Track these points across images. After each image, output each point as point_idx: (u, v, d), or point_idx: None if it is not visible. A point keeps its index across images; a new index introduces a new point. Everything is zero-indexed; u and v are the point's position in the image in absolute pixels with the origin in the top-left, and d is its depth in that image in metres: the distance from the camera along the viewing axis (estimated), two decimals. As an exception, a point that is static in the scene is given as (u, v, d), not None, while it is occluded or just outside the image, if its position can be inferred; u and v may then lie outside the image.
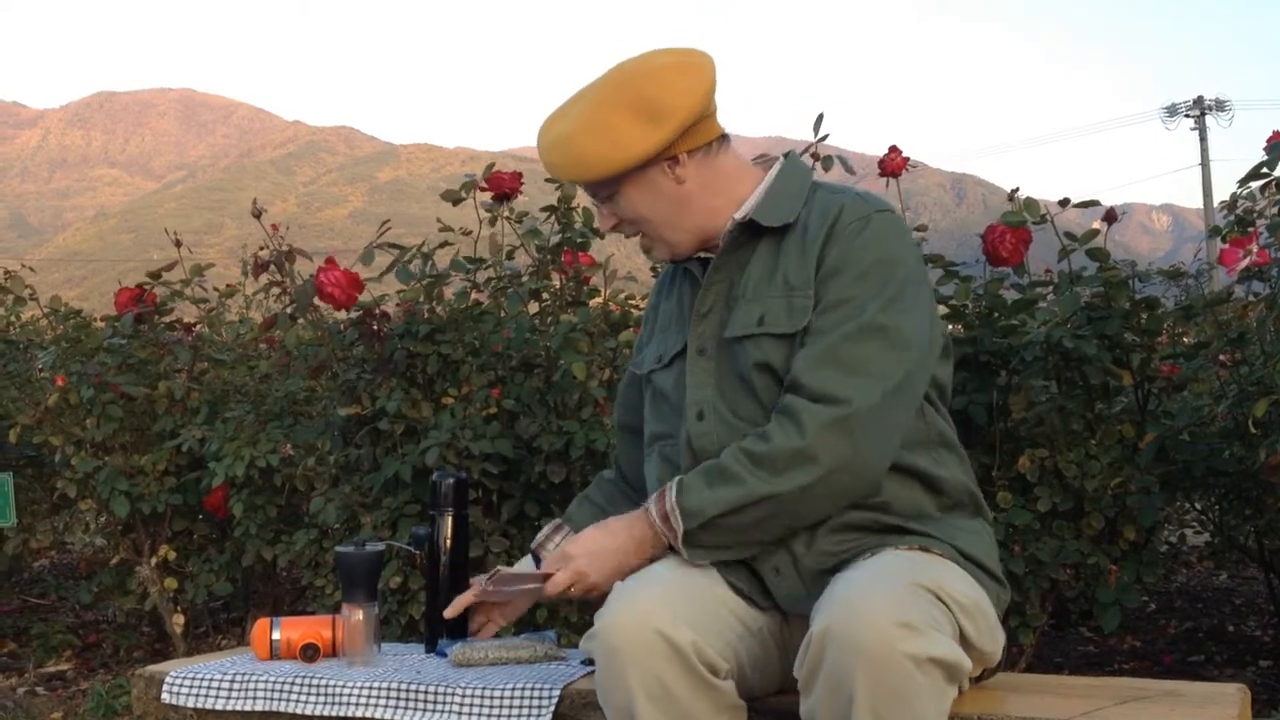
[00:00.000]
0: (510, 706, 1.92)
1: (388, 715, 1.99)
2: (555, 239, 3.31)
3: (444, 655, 2.18)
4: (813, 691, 1.53)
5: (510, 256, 3.35)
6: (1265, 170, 2.66)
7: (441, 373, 3.12)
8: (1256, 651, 3.55)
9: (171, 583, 3.78)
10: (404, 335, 3.10)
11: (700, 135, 1.83)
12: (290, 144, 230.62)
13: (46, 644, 4.20)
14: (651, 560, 1.77)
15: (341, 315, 3.21)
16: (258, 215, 3.11)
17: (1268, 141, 2.66)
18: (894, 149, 3.05)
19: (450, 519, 2.29)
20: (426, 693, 1.98)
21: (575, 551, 1.83)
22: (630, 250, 2.29)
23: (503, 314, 3.21)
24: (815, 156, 2.97)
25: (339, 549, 2.21)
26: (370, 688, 2.01)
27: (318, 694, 2.05)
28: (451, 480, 2.31)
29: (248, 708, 2.10)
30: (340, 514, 3.13)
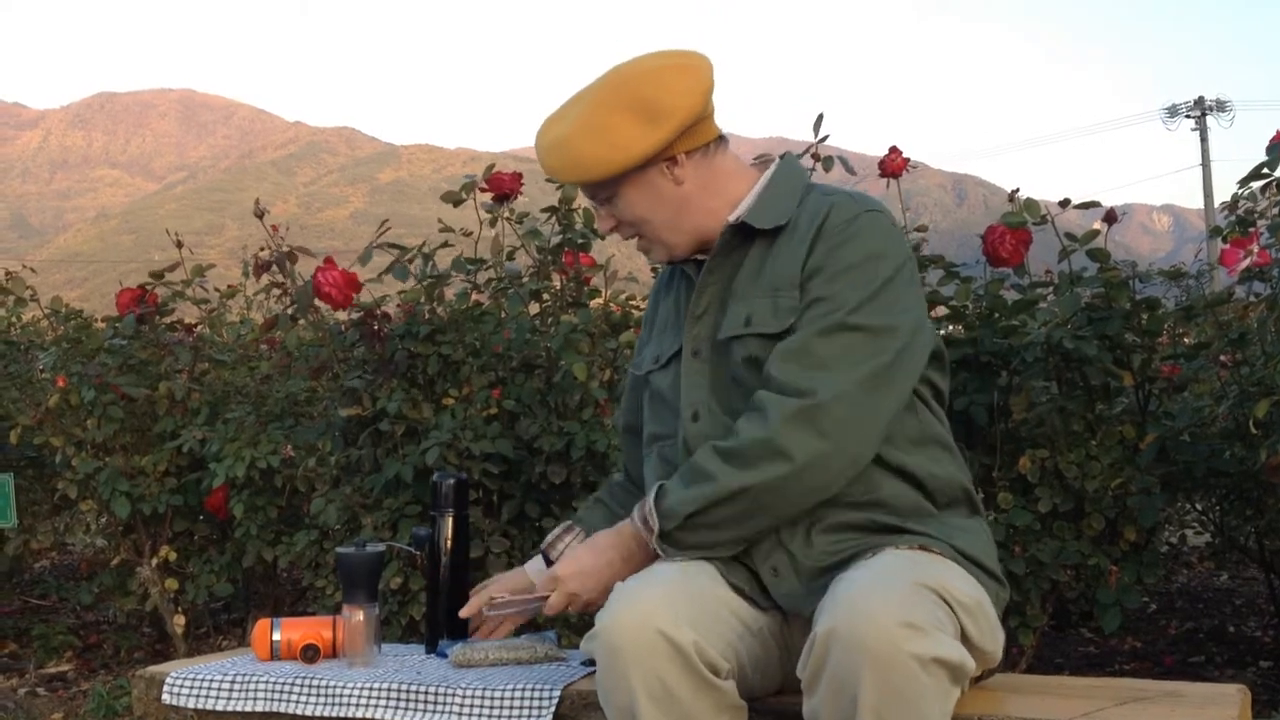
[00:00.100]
0: (510, 707, 1.92)
1: (388, 716, 1.99)
2: (556, 240, 3.31)
3: (444, 656, 2.18)
4: (816, 692, 1.53)
5: (511, 257, 3.35)
6: (1266, 171, 2.65)
7: (442, 373, 3.12)
8: (1257, 652, 3.54)
9: (172, 583, 3.78)
10: (405, 336, 3.10)
11: (698, 136, 1.83)
12: (291, 145, 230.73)
13: (47, 645, 4.20)
14: (643, 568, 1.78)
15: (342, 316, 3.22)
16: (260, 215, 3.12)
17: (1270, 142, 2.66)
18: (894, 149, 3.05)
19: (451, 520, 2.29)
20: (427, 694, 1.98)
21: (565, 573, 1.85)
22: (631, 251, 2.30)
23: (503, 315, 3.21)
24: (816, 157, 2.97)
25: (339, 550, 2.21)
26: (370, 688, 2.01)
27: (318, 695, 2.05)
28: (452, 481, 2.31)
29: (248, 708, 2.10)
30: (341, 515, 3.13)
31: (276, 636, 2.23)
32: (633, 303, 3.36)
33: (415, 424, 3.05)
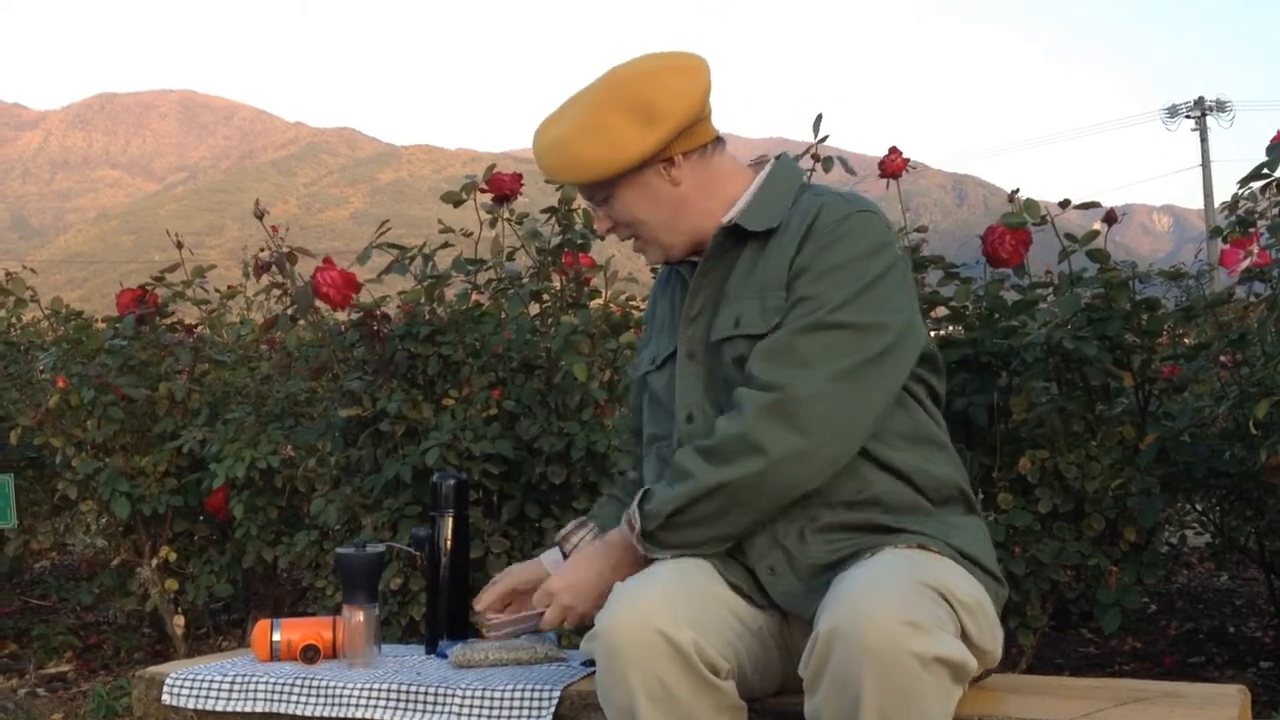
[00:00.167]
0: (510, 708, 1.92)
1: (388, 717, 1.99)
2: (556, 240, 3.31)
3: (444, 656, 2.18)
4: (818, 691, 1.53)
5: (511, 258, 3.35)
6: (1266, 171, 2.65)
7: (442, 374, 3.12)
8: (1257, 653, 3.54)
9: (172, 584, 3.78)
10: (405, 336, 3.10)
11: (696, 137, 1.83)
12: (291, 145, 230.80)
13: (47, 645, 4.20)
14: (633, 574, 1.78)
15: (342, 316, 3.22)
16: (260, 216, 3.12)
17: (1270, 142, 2.66)
18: (894, 150, 3.05)
19: (451, 520, 2.29)
20: (427, 694, 1.98)
21: (557, 587, 1.87)
22: (631, 252, 2.30)
23: (503, 315, 3.22)
24: (815, 158, 2.97)
25: (339, 550, 2.21)
26: (370, 689, 2.01)
27: (318, 695, 2.05)
28: (452, 481, 2.31)
29: (248, 709, 2.10)
30: (341, 515, 3.13)
31: (276, 637, 2.23)
32: (633, 303, 3.36)
33: (415, 424, 3.05)
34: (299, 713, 2.05)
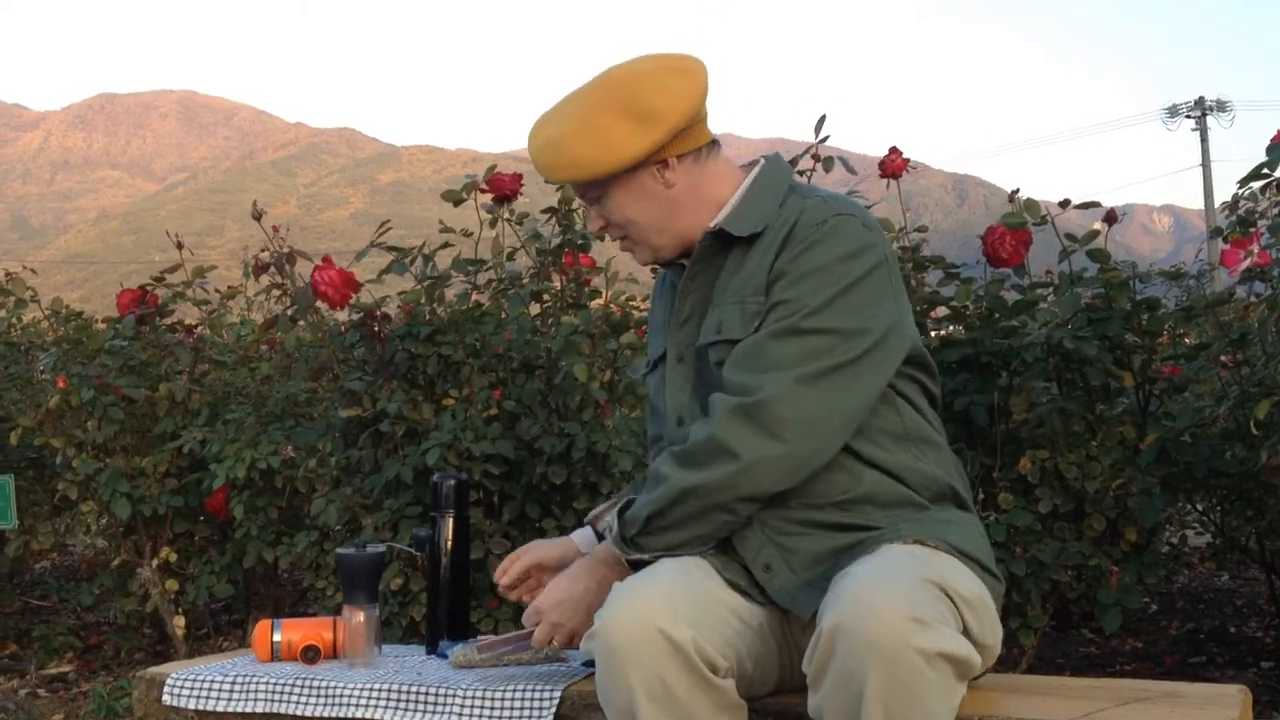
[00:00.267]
0: (511, 708, 1.92)
1: (388, 717, 1.99)
2: (556, 241, 3.31)
3: (445, 657, 2.18)
4: (821, 687, 1.53)
5: (511, 258, 3.35)
6: (1266, 171, 2.65)
7: (442, 374, 3.12)
8: (1258, 653, 3.54)
9: (173, 584, 3.78)
10: (405, 337, 3.10)
11: (690, 140, 1.83)
12: (291, 146, 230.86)
13: (48, 646, 4.20)
14: None
15: (342, 317, 3.22)
16: (258, 217, 3.12)
17: (1270, 142, 2.65)
18: (894, 150, 3.05)
19: (451, 520, 2.29)
20: (427, 694, 1.98)
21: (545, 605, 1.87)
22: (631, 252, 2.29)
23: (504, 315, 3.22)
24: (816, 158, 2.97)
25: (340, 551, 2.21)
26: (371, 689, 2.01)
27: (318, 696, 2.05)
28: (452, 482, 2.31)
29: (249, 709, 2.10)
30: (341, 515, 3.13)
31: (277, 637, 2.23)
32: (633, 304, 3.37)
33: (416, 425, 3.05)
34: (299, 713, 2.06)
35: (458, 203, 3.22)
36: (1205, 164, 30.31)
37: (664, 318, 1.97)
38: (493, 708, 1.92)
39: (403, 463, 3.01)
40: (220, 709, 2.11)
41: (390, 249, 3.12)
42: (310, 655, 2.19)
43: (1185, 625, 3.98)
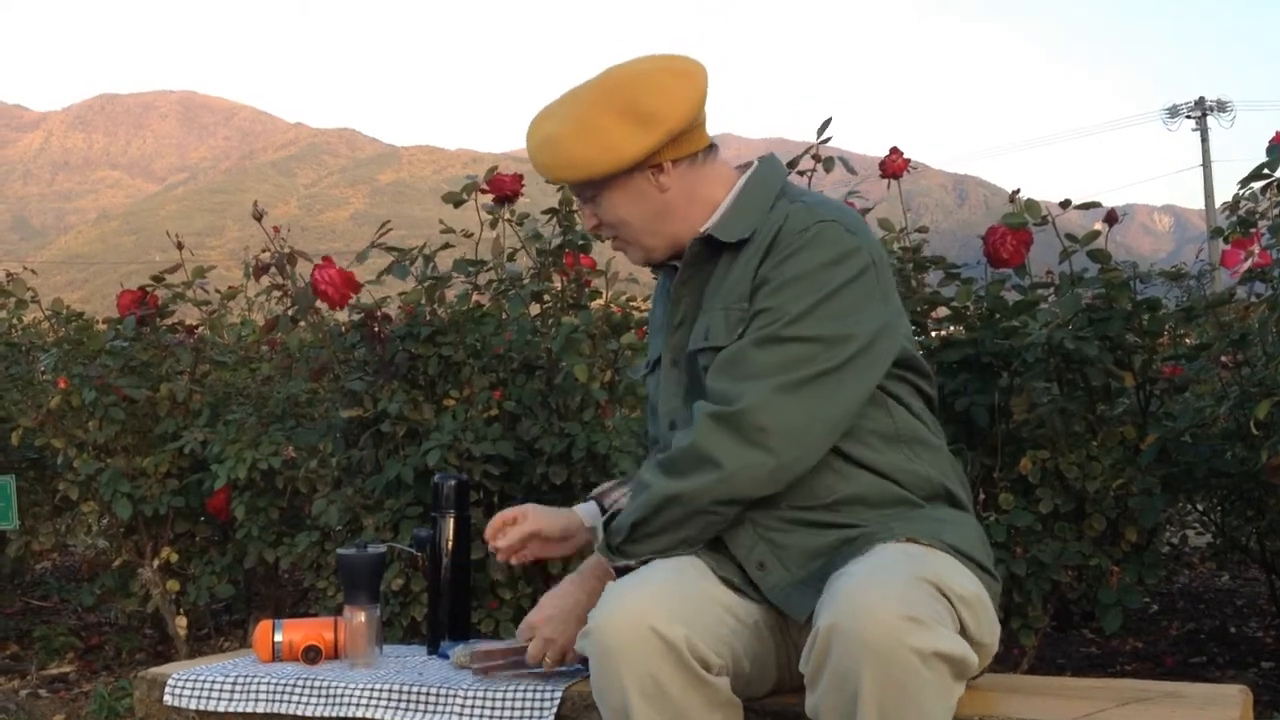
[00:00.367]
0: (512, 708, 1.92)
1: (389, 717, 1.99)
2: (556, 241, 3.31)
3: (446, 657, 2.18)
4: (818, 687, 1.53)
5: (512, 259, 3.35)
6: (1266, 171, 2.65)
7: (443, 374, 3.12)
8: (1258, 653, 3.54)
9: (174, 585, 3.78)
10: (405, 337, 3.10)
11: (687, 144, 1.84)
12: (292, 146, 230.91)
13: (49, 646, 4.20)
14: None
15: (343, 317, 3.22)
16: (258, 218, 3.12)
17: (1270, 142, 2.65)
18: (895, 150, 3.05)
19: (452, 521, 2.30)
20: (428, 695, 1.98)
21: (537, 620, 1.90)
22: (631, 252, 2.29)
23: (504, 316, 3.22)
24: (816, 158, 2.97)
25: (341, 551, 2.21)
26: (372, 689, 2.02)
27: (319, 696, 2.05)
28: (453, 482, 2.31)
29: (250, 709, 2.10)
30: (342, 516, 3.13)
31: (278, 638, 2.23)
32: (633, 304, 3.37)
33: (416, 425, 3.05)
34: (300, 713, 2.06)
35: (458, 204, 3.22)
36: (1206, 164, 30.30)
37: (663, 319, 1.97)
38: (493, 708, 1.93)
39: (403, 463, 3.01)
40: (221, 709, 2.11)
41: (391, 250, 3.12)
42: (311, 655, 2.19)
43: (1186, 625, 3.99)
